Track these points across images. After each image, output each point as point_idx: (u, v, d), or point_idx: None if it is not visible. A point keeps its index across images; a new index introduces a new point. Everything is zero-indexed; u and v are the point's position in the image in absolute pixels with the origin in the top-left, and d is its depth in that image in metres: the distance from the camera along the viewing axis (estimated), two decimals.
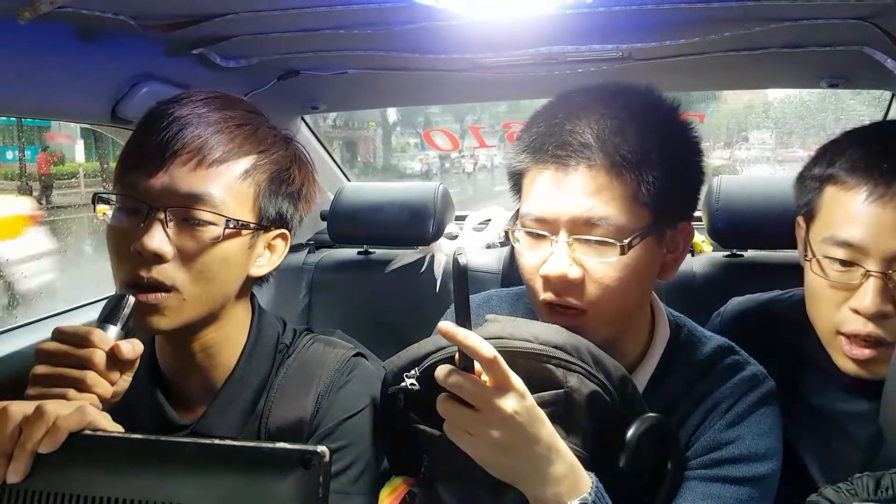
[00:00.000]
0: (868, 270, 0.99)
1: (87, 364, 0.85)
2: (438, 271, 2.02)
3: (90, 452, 0.76)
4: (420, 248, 2.09)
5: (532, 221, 0.98)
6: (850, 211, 1.01)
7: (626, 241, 0.93)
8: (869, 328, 0.99)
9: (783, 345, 1.18)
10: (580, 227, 0.94)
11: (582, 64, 1.56)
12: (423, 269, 2.04)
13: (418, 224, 2.00)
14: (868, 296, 0.98)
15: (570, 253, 0.95)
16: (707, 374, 1.05)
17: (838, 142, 1.08)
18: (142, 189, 0.95)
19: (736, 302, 1.37)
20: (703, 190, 1.78)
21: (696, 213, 1.93)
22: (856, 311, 1.00)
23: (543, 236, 0.97)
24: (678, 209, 1.00)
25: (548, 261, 0.95)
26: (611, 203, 0.93)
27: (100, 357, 0.85)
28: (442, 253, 2.06)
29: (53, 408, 0.77)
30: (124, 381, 0.90)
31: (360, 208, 2.07)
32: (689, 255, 1.94)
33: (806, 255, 1.08)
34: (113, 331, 0.89)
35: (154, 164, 0.94)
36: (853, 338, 1.02)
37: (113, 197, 0.99)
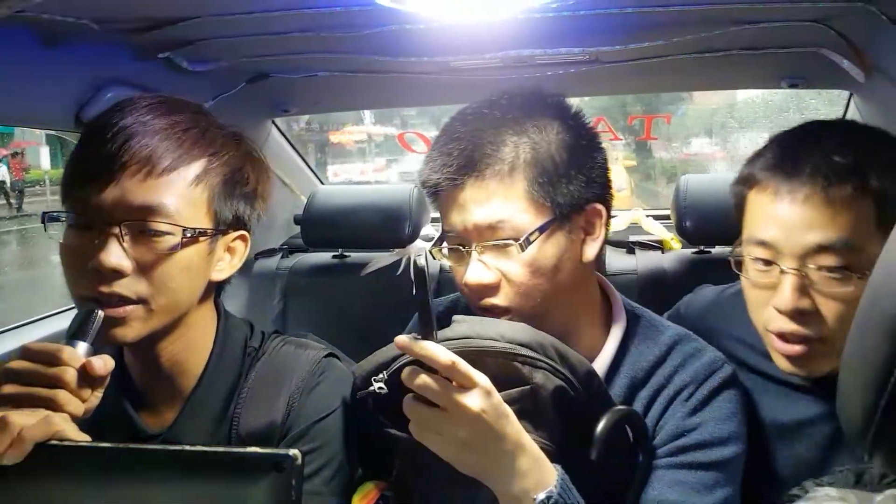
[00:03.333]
0: (783, 268, 0.99)
1: (57, 383, 0.83)
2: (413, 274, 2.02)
3: (57, 463, 0.75)
4: (396, 250, 2.10)
5: (449, 238, 1.05)
6: (765, 210, 1.03)
7: (521, 239, 0.97)
8: (792, 326, 1.00)
9: (740, 340, 1.19)
10: (485, 234, 1.00)
11: (551, 67, 1.58)
12: (399, 272, 2.05)
13: (393, 226, 2.00)
14: (785, 293, 0.99)
15: (482, 260, 1.00)
16: (666, 362, 1.07)
17: (767, 143, 1.10)
18: (93, 204, 0.93)
19: (702, 293, 1.39)
20: (672, 187, 1.84)
21: (665, 212, 1.98)
22: (777, 310, 1.01)
23: (459, 249, 1.03)
24: (581, 195, 1.02)
25: (466, 271, 1.01)
26: (504, 207, 0.99)
27: (71, 375, 0.84)
28: (418, 255, 2.06)
29: (18, 418, 0.76)
30: (95, 397, 0.89)
31: (335, 211, 2.06)
32: (659, 253, 1.99)
33: (738, 257, 1.09)
34: (82, 347, 0.87)
35: (103, 177, 0.93)
36: (780, 336, 1.02)
37: (64, 214, 0.97)
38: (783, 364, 1.05)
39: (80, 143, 0.99)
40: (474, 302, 1.03)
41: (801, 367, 1.03)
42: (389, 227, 2.01)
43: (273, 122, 2.26)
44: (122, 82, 1.37)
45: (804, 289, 0.99)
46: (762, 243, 1.02)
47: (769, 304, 1.03)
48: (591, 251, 1.06)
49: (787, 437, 1.14)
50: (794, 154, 1.03)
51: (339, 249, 2.18)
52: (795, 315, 0.99)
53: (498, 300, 1.01)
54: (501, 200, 0.99)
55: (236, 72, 1.62)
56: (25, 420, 0.76)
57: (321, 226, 2.07)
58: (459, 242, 1.03)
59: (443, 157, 1.02)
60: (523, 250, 0.98)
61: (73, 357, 0.85)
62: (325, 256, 2.21)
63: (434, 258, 1.11)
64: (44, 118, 1.39)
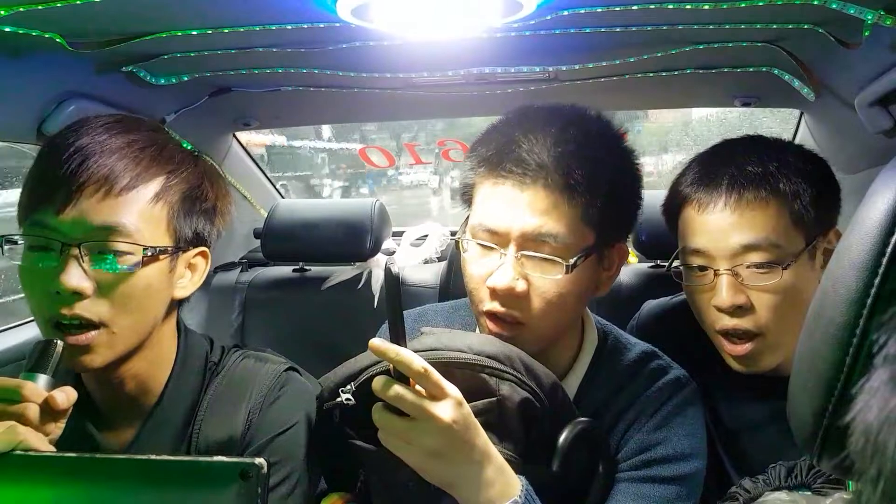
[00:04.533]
0: (717, 270, 1.10)
1: (19, 420, 0.82)
2: (376, 287, 2.03)
3: (22, 473, 0.74)
4: (357, 264, 2.10)
5: (483, 233, 1.01)
6: (694, 222, 1.14)
7: (571, 261, 0.97)
8: (734, 322, 1.10)
9: (694, 343, 1.24)
10: (529, 243, 0.97)
11: (512, 84, 1.61)
12: (360, 286, 2.05)
13: (355, 240, 2.00)
14: (722, 292, 1.09)
15: (517, 267, 0.98)
16: (633, 379, 1.09)
17: (688, 164, 1.22)
18: (52, 226, 0.92)
19: (650, 306, 1.46)
20: None
21: None
22: (718, 309, 1.11)
23: (492, 248, 1.00)
24: (618, 231, 1.06)
25: (496, 273, 0.98)
26: (560, 222, 0.97)
27: (33, 411, 0.83)
28: (379, 269, 2.06)
29: None
30: (58, 428, 0.87)
31: (295, 225, 2.05)
32: None
33: (676, 268, 1.20)
34: (43, 380, 0.85)
35: (61, 198, 0.92)
36: (726, 335, 1.12)
37: (21, 237, 0.95)
38: (733, 363, 1.13)
39: (35, 164, 0.97)
40: (488, 305, 1.00)
41: (749, 364, 1.12)
42: (350, 241, 2.00)
43: (234, 136, 2.25)
44: (84, 95, 1.36)
45: (738, 286, 1.09)
46: (696, 251, 1.13)
47: (711, 305, 1.12)
48: (605, 286, 1.08)
49: (741, 438, 1.20)
50: (712, 169, 1.15)
51: (300, 263, 2.17)
52: (735, 311, 1.09)
53: (518, 312, 0.99)
54: (559, 215, 0.97)
55: (199, 85, 1.61)
56: None
57: (281, 239, 2.06)
58: (495, 241, 1.00)
59: (519, 153, 0.98)
60: (569, 272, 0.97)
61: (34, 392, 0.84)
62: (285, 270, 2.19)
63: (456, 247, 1.09)
64: (4, 130, 1.36)
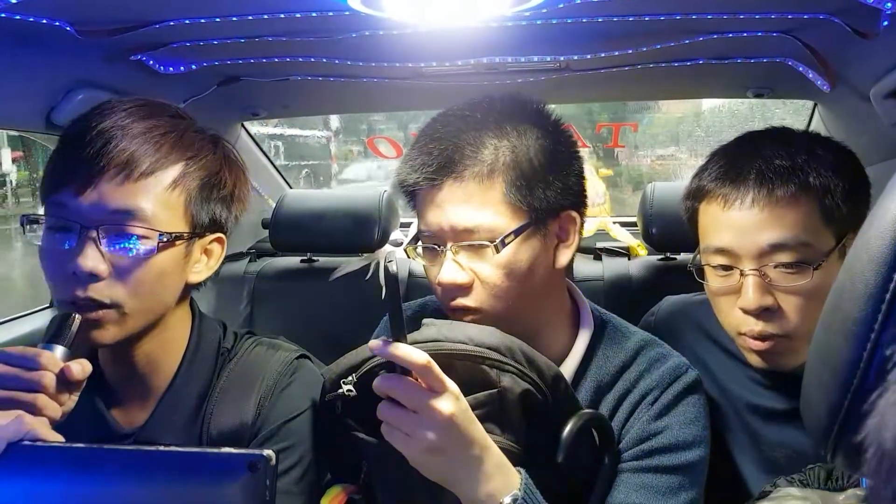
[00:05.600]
0: (743, 270, 1.06)
1: (37, 387, 0.84)
2: (383, 278, 2.02)
3: (29, 463, 0.75)
4: (365, 255, 2.09)
5: (425, 237, 1.05)
6: (717, 219, 1.09)
7: (497, 241, 0.98)
8: (760, 326, 1.06)
9: (713, 342, 1.23)
10: (461, 235, 1.00)
11: (521, 74, 1.60)
12: (368, 276, 2.04)
13: (363, 231, 2.00)
14: (748, 294, 1.05)
15: (456, 260, 1.01)
16: (632, 367, 1.08)
17: (710, 157, 1.16)
18: (71, 208, 0.93)
19: (670, 301, 1.43)
20: (639, 195, 1.87)
21: (632, 219, 2.01)
22: (744, 311, 1.07)
23: (434, 248, 1.04)
24: (557, 201, 1.04)
25: (441, 270, 1.01)
26: (482, 209, 0.99)
27: (50, 380, 0.84)
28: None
29: None
30: (72, 400, 0.89)
31: (303, 216, 2.05)
32: (626, 259, 2.02)
33: (698, 265, 1.15)
34: (60, 351, 0.88)
35: (81, 181, 0.93)
36: (751, 335, 1.07)
37: (42, 217, 0.97)
38: (755, 360, 1.10)
39: (59, 146, 0.99)
40: (446, 301, 1.04)
41: (771, 361, 1.08)
42: (358, 231, 2.00)
43: (243, 126, 2.24)
44: (93, 84, 1.36)
45: (765, 287, 1.05)
46: (720, 250, 1.08)
47: (735, 306, 1.07)
48: (563, 258, 1.07)
49: (768, 438, 1.17)
50: (737, 163, 1.09)
51: (308, 253, 2.17)
52: (762, 313, 1.05)
53: (469, 301, 1.01)
54: (479, 202, 0.99)
55: (207, 74, 1.60)
56: None
57: (290, 230, 2.06)
58: (434, 242, 1.04)
59: (422, 157, 1.02)
60: (498, 252, 0.99)
61: (51, 361, 0.85)
62: (293, 260, 2.19)
63: (408, 256, 1.11)
64: (13, 118, 1.37)
